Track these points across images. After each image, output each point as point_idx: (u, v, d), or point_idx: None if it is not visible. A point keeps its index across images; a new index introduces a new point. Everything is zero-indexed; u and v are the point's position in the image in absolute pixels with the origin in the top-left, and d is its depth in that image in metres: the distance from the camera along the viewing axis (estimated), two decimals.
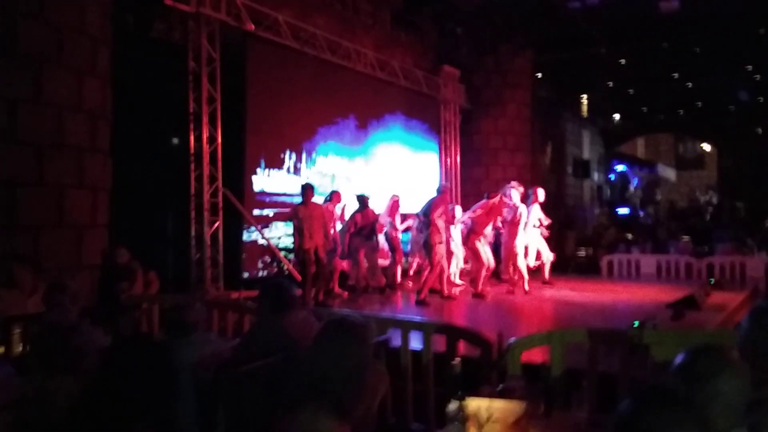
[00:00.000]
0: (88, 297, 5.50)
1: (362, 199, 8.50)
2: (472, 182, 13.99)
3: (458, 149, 13.56)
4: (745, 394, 1.76)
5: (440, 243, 7.90)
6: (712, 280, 10.22)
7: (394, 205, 9.41)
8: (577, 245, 19.09)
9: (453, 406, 2.35)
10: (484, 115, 14.11)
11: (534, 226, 9.35)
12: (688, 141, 27.85)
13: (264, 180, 8.53)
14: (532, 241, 9.43)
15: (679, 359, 1.81)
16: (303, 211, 7.35)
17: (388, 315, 4.38)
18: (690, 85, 18.54)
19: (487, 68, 14.12)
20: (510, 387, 2.73)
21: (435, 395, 3.76)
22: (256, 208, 8.34)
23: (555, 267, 16.24)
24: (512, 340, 3.51)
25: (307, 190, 7.48)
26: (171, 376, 2.42)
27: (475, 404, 2.42)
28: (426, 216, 8.04)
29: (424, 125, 12.41)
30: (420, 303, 7.71)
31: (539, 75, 17.06)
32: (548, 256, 9.84)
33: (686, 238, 15.84)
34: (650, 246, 15.96)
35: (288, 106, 8.85)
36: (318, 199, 8.33)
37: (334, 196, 8.49)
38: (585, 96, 20.77)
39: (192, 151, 7.67)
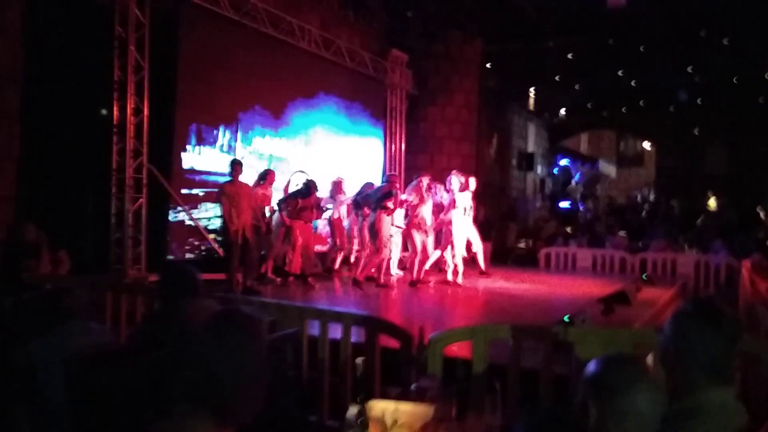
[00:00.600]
0: None
1: (309, 185, 8.18)
2: (417, 170, 13.76)
3: (404, 136, 13.36)
4: (659, 406, 1.61)
5: (387, 229, 7.85)
6: (645, 276, 10.38)
7: (338, 187, 9.16)
8: (518, 237, 19.31)
9: (353, 410, 2.12)
10: (431, 103, 13.94)
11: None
12: (629, 138, 28.51)
13: (194, 157, 8.07)
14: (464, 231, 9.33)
15: (591, 368, 1.64)
16: (230, 189, 6.99)
17: (307, 305, 4.14)
18: (633, 83, 18.88)
19: (436, 55, 13.94)
20: (422, 387, 2.53)
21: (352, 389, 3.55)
22: (185, 186, 7.89)
23: (495, 258, 16.40)
24: (433, 334, 3.31)
25: (236, 166, 7.13)
26: (19, 374, 2.11)
27: (380, 407, 2.21)
28: (376, 201, 7.93)
29: (368, 109, 12.12)
30: (356, 283, 7.60)
31: (488, 65, 17.05)
32: (479, 246, 9.73)
33: (622, 233, 16.18)
34: (588, 240, 16.23)
35: (223, 81, 8.40)
36: (251, 178, 7.99)
37: (268, 175, 8.11)
38: (532, 89, 20.88)
39: (115, 122, 7.18)
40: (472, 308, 7.47)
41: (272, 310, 3.77)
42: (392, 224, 8.34)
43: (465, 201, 9.08)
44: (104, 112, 7.14)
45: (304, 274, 7.93)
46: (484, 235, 14.70)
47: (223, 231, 7.15)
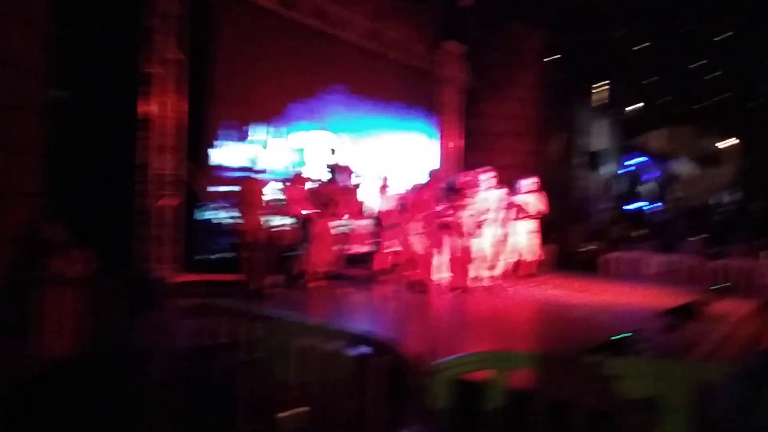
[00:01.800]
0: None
1: (331, 169, 7.74)
2: (474, 168, 13.17)
3: (461, 133, 12.72)
4: None
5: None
6: (718, 287, 9.39)
7: (383, 187, 8.70)
8: (581, 241, 18.28)
9: None
10: (490, 97, 13.22)
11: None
12: (709, 135, 26.67)
13: (225, 153, 7.74)
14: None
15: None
16: (244, 186, 6.63)
17: (298, 319, 3.69)
18: (713, 75, 17.47)
19: (495, 47, 13.21)
20: None
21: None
22: (214, 184, 7.56)
23: (557, 263, 15.55)
24: (437, 361, 2.78)
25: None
26: None
27: None
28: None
29: (419, 105, 11.56)
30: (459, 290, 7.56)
31: (552, 58, 16.14)
32: (528, 251, 9.10)
33: (697, 238, 14.97)
34: (658, 244, 15.12)
35: (261, 74, 8.06)
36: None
37: (296, 176, 7.78)
38: (600, 83, 19.73)
39: (152, 118, 6.96)
40: (508, 322, 6.76)
41: (258, 323, 3.35)
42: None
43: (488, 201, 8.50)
44: (126, 105, 6.93)
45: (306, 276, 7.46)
46: (543, 239, 13.94)
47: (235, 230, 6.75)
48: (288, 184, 7.75)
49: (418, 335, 5.42)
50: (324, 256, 7.66)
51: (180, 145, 7.16)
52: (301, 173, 8.02)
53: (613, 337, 4.34)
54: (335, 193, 7.70)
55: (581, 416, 2.78)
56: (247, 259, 6.58)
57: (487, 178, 8.80)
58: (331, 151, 9.38)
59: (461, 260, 7.85)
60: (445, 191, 7.97)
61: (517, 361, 2.85)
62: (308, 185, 7.82)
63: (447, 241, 7.67)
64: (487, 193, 8.33)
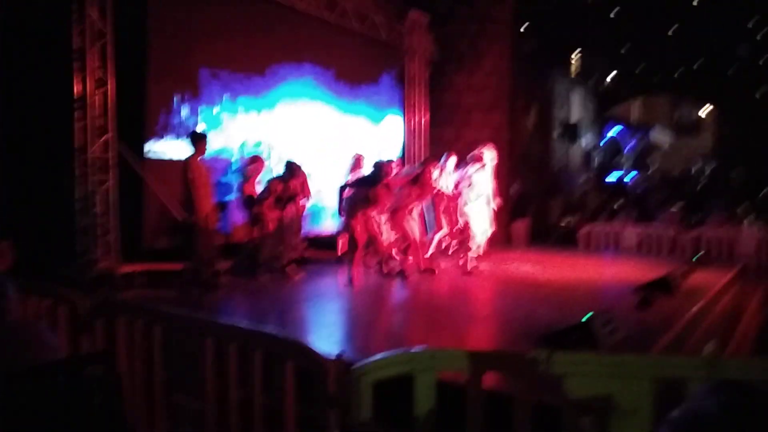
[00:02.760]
0: None
1: (290, 166, 7.33)
2: (443, 144, 12.68)
3: (427, 107, 12.24)
4: None
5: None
6: (696, 257, 9.07)
7: (357, 164, 8.20)
8: (561, 214, 17.96)
9: None
10: (457, 70, 12.71)
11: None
12: (686, 104, 26.42)
13: (167, 134, 7.16)
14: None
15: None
16: (196, 165, 6.10)
17: (207, 317, 3.24)
18: (688, 42, 17.09)
19: (462, 16, 12.68)
20: None
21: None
22: (156, 168, 6.97)
23: (534, 237, 15.22)
24: (357, 365, 2.34)
25: (201, 140, 6.24)
26: None
27: None
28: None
29: (382, 79, 11.02)
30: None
31: (522, 28, 15.64)
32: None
33: (676, 207, 14.69)
34: (637, 215, 14.84)
35: (206, 48, 7.48)
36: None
37: (255, 162, 7.29)
38: (575, 53, 19.29)
39: (77, 95, 6.40)
40: (473, 305, 6.35)
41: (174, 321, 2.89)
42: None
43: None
44: (58, 83, 6.35)
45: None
46: (520, 213, 13.56)
47: (186, 213, 6.20)
48: (247, 165, 7.28)
49: (355, 332, 5.00)
50: (283, 244, 7.22)
51: (112, 126, 6.61)
52: (257, 156, 7.53)
53: (584, 317, 3.92)
54: (294, 185, 7.25)
55: (525, 413, 2.37)
56: (195, 247, 6.08)
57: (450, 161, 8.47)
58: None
59: (421, 244, 7.42)
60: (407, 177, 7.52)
61: (450, 361, 2.42)
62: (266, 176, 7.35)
63: (411, 226, 7.20)
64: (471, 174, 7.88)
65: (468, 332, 4.83)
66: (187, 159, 6.16)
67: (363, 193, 6.48)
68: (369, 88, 10.52)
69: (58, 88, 6.43)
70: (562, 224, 16.72)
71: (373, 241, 7.01)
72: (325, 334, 4.62)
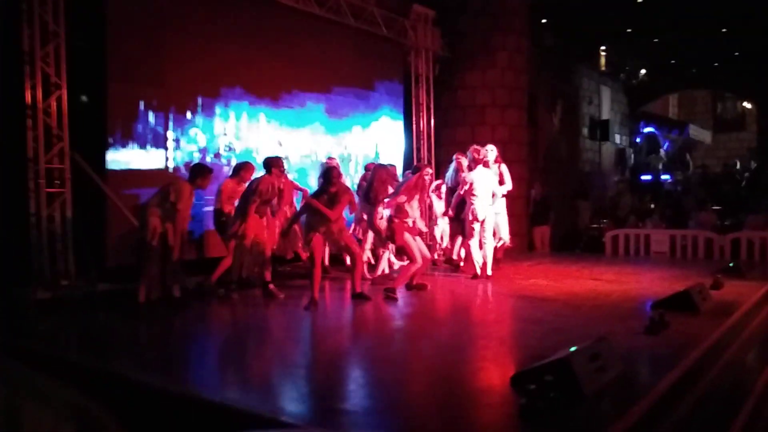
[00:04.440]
0: None
1: (267, 163, 6.65)
2: (456, 145, 11.91)
3: (431, 106, 11.47)
4: None
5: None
6: (732, 264, 8.07)
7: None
8: (592, 217, 16.93)
9: None
10: (469, 67, 11.93)
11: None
12: (728, 99, 24.95)
13: (129, 144, 6.55)
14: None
15: None
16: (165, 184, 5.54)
17: None
18: (727, 33, 15.87)
19: (473, 9, 11.89)
20: None
21: None
22: (122, 181, 6.38)
23: (563, 243, 14.25)
24: None
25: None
26: None
27: None
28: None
29: (382, 78, 10.32)
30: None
31: (544, 21, 14.73)
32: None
33: (712, 209, 13.58)
34: (670, 217, 13.78)
35: (175, 49, 6.90)
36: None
37: (244, 169, 6.66)
38: (602, 47, 18.24)
39: (28, 102, 5.91)
40: (449, 326, 5.51)
41: None
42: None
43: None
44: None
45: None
46: (543, 218, 12.65)
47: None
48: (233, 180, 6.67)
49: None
50: (256, 259, 6.54)
51: (78, 135, 6.12)
52: (241, 166, 6.84)
53: (572, 348, 3.16)
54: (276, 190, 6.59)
55: None
56: (145, 266, 5.51)
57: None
58: (278, 144, 8.30)
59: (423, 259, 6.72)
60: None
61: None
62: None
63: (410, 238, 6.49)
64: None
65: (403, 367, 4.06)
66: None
67: (323, 200, 5.77)
68: (364, 91, 9.83)
69: (10, 94, 5.95)
70: (591, 228, 15.74)
71: (404, 251, 6.49)
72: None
